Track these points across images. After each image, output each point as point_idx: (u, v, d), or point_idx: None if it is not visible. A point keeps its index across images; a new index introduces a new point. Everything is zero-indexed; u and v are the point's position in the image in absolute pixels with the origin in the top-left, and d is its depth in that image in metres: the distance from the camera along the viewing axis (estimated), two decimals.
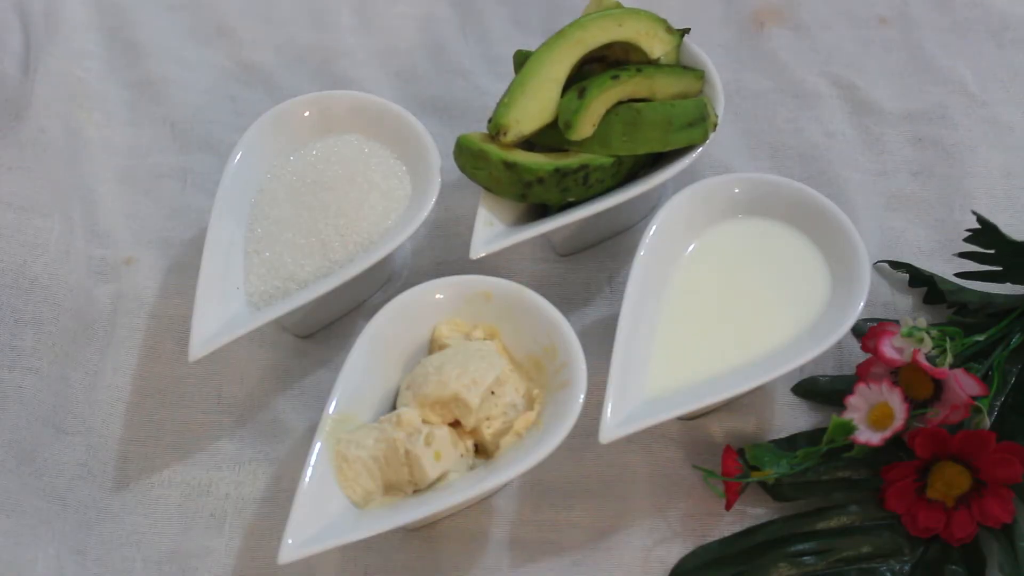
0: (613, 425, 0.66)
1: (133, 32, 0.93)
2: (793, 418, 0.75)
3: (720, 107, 0.76)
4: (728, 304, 0.73)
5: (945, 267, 0.80)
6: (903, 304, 0.80)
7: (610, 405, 0.67)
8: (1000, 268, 0.77)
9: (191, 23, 0.94)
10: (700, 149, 0.75)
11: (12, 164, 0.82)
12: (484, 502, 0.73)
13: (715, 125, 0.76)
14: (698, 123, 0.74)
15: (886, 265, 0.81)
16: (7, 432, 0.74)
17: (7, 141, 0.83)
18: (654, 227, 0.73)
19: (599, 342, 0.72)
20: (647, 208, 0.82)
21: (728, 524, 0.72)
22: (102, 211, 0.84)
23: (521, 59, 0.77)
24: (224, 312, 0.73)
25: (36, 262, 0.79)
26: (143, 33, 0.93)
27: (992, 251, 0.77)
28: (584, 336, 0.70)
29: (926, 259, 0.81)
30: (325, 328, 0.80)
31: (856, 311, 0.69)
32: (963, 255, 0.78)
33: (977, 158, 0.85)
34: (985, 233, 0.76)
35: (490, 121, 0.74)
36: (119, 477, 0.75)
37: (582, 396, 0.67)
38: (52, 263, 0.79)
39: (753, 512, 0.72)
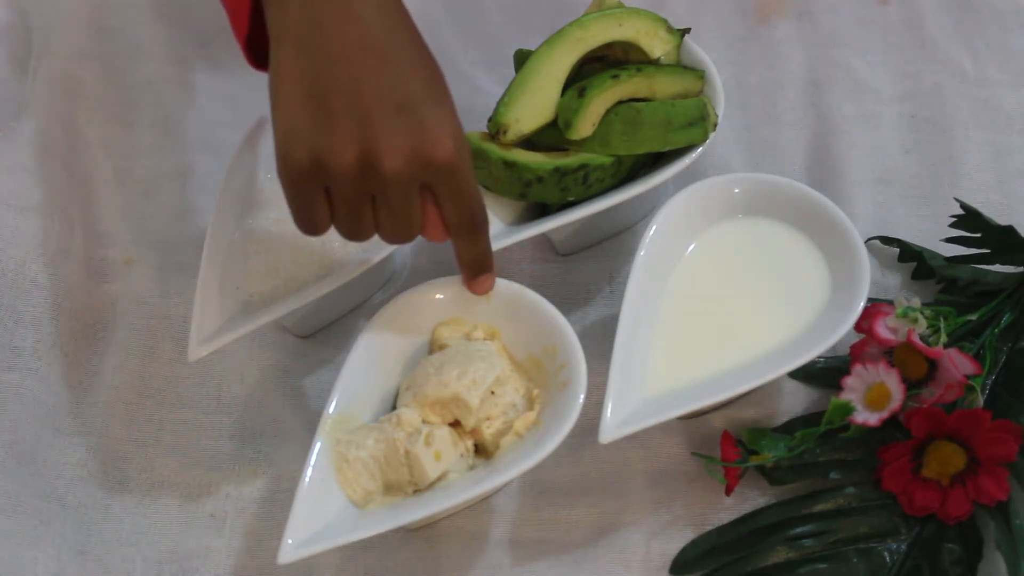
0: (613, 425, 0.66)
1: (133, 32, 0.93)
2: (789, 400, 0.75)
3: (720, 107, 0.76)
4: (728, 304, 0.73)
5: (939, 246, 0.80)
6: (892, 282, 0.80)
7: (610, 405, 0.67)
8: (988, 251, 0.77)
9: (191, 23, 0.94)
10: (700, 149, 0.75)
11: (12, 164, 0.82)
12: (484, 502, 0.73)
13: (715, 125, 0.75)
14: (698, 123, 0.74)
15: (877, 242, 0.80)
16: (7, 432, 0.74)
17: (7, 141, 0.83)
18: (654, 227, 0.73)
19: (599, 342, 0.72)
20: (647, 208, 0.82)
21: (727, 512, 0.72)
22: (102, 211, 0.84)
23: (522, 58, 0.77)
24: (224, 312, 0.73)
25: (36, 262, 0.79)
26: (143, 33, 0.93)
27: (978, 235, 0.77)
28: (584, 336, 0.70)
29: (920, 238, 0.81)
30: (325, 328, 0.80)
31: (856, 311, 0.69)
32: (951, 240, 0.78)
33: (970, 139, 0.85)
34: (969, 218, 0.77)
35: (490, 120, 0.74)
36: (119, 477, 0.75)
37: (582, 396, 0.67)
38: (52, 263, 0.79)
39: (751, 497, 0.72)
